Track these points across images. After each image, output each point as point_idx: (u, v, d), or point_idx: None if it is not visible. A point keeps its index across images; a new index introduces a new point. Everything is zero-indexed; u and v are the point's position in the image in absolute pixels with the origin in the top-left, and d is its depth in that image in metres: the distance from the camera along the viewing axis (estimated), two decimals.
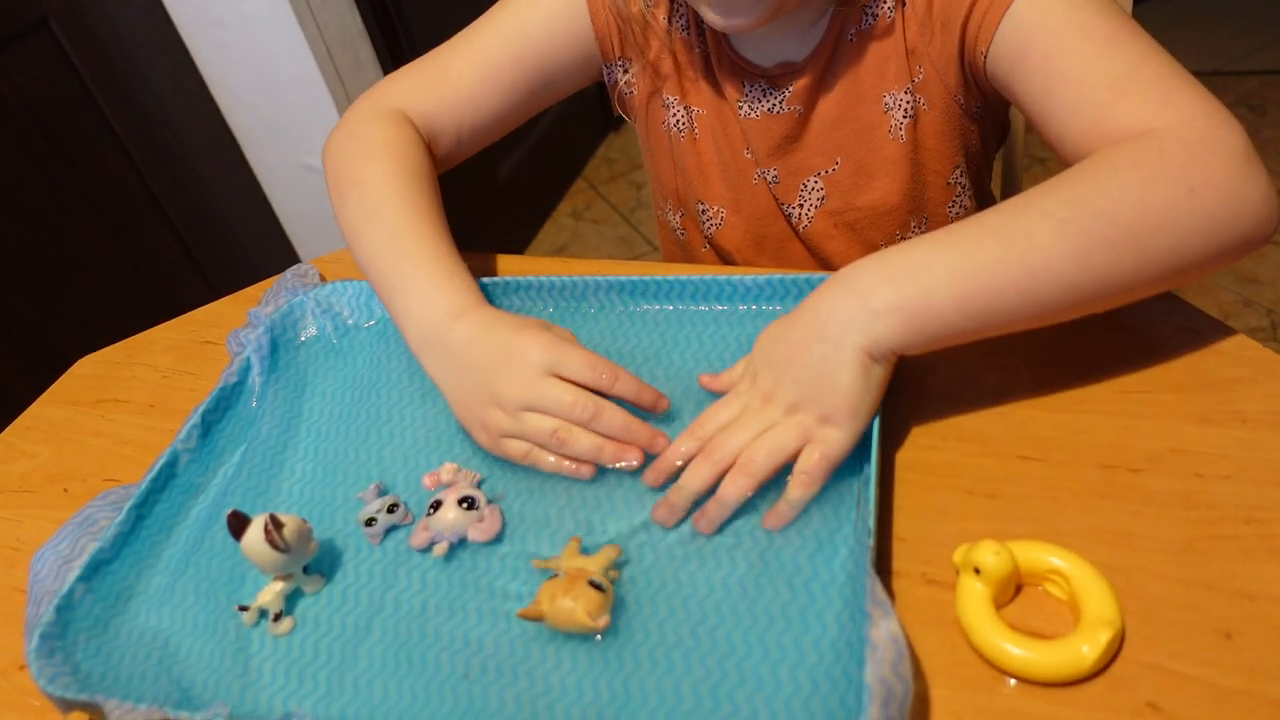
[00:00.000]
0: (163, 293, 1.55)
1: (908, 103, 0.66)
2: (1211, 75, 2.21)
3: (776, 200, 0.74)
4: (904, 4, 0.63)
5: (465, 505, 0.51)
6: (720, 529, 0.49)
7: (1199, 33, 2.39)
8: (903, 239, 0.73)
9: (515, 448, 0.53)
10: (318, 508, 0.55)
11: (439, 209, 0.65)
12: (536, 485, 0.53)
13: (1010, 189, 0.92)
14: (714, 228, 0.77)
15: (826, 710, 0.40)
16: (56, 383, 0.72)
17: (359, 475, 0.56)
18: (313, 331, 0.68)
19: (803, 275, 0.59)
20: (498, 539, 0.51)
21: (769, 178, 0.72)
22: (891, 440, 0.51)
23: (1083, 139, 0.53)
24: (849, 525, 0.47)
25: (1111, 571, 0.42)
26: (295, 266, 0.72)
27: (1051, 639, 0.40)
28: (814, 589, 0.45)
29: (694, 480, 0.49)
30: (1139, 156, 0.48)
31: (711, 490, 0.49)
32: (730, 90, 0.70)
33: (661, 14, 0.70)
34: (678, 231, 0.82)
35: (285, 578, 0.49)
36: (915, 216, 0.72)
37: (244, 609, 0.49)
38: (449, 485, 0.53)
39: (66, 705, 0.45)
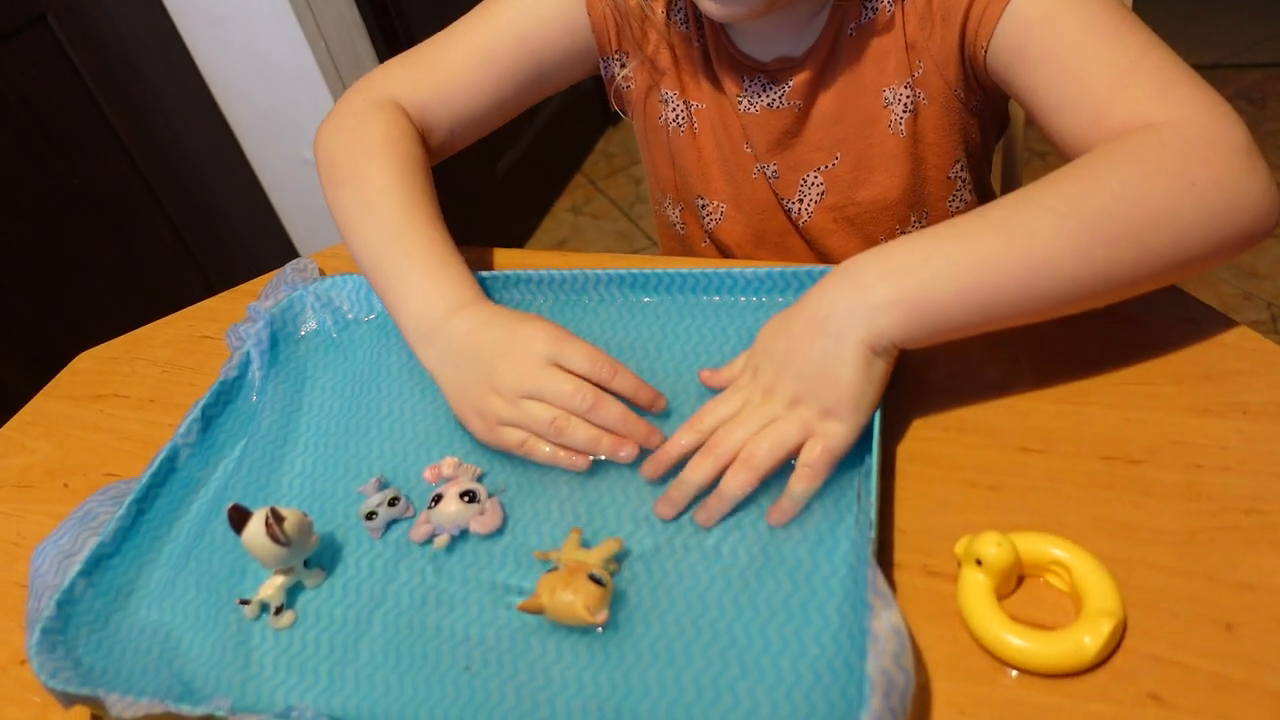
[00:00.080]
0: (161, 288, 1.55)
1: (907, 97, 0.66)
2: (1212, 68, 2.21)
3: (776, 195, 0.74)
4: None
5: (466, 498, 0.51)
6: (721, 522, 0.49)
7: (1199, 26, 2.39)
8: (903, 234, 0.73)
9: (511, 436, 0.53)
10: (318, 501, 0.55)
11: (435, 202, 0.65)
12: (537, 479, 0.53)
13: (1010, 183, 0.91)
14: (714, 223, 0.77)
15: (828, 702, 0.40)
16: (56, 378, 0.72)
17: (360, 469, 0.56)
18: (312, 326, 0.68)
19: (803, 268, 0.59)
20: (499, 532, 0.51)
21: (769, 173, 0.72)
22: (893, 433, 0.51)
23: (1083, 133, 0.53)
24: (850, 518, 0.47)
25: (1113, 563, 0.42)
26: (294, 261, 0.72)
27: (1053, 630, 0.40)
28: (815, 581, 0.45)
29: (696, 475, 0.49)
30: (1140, 151, 0.48)
31: (713, 485, 0.49)
32: (729, 85, 0.70)
33: (659, 7, 0.70)
34: (677, 226, 0.82)
35: (286, 571, 0.49)
36: (915, 211, 0.72)
37: (245, 602, 0.49)
38: (450, 479, 0.53)
39: (68, 700, 0.45)
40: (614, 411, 0.52)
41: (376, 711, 0.44)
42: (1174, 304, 0.55)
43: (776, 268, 0.59)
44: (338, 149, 0.67)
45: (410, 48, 0.73)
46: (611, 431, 0.52)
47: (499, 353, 0.54)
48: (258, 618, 0.49)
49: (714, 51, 0.69)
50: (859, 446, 0.49)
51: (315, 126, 0.70)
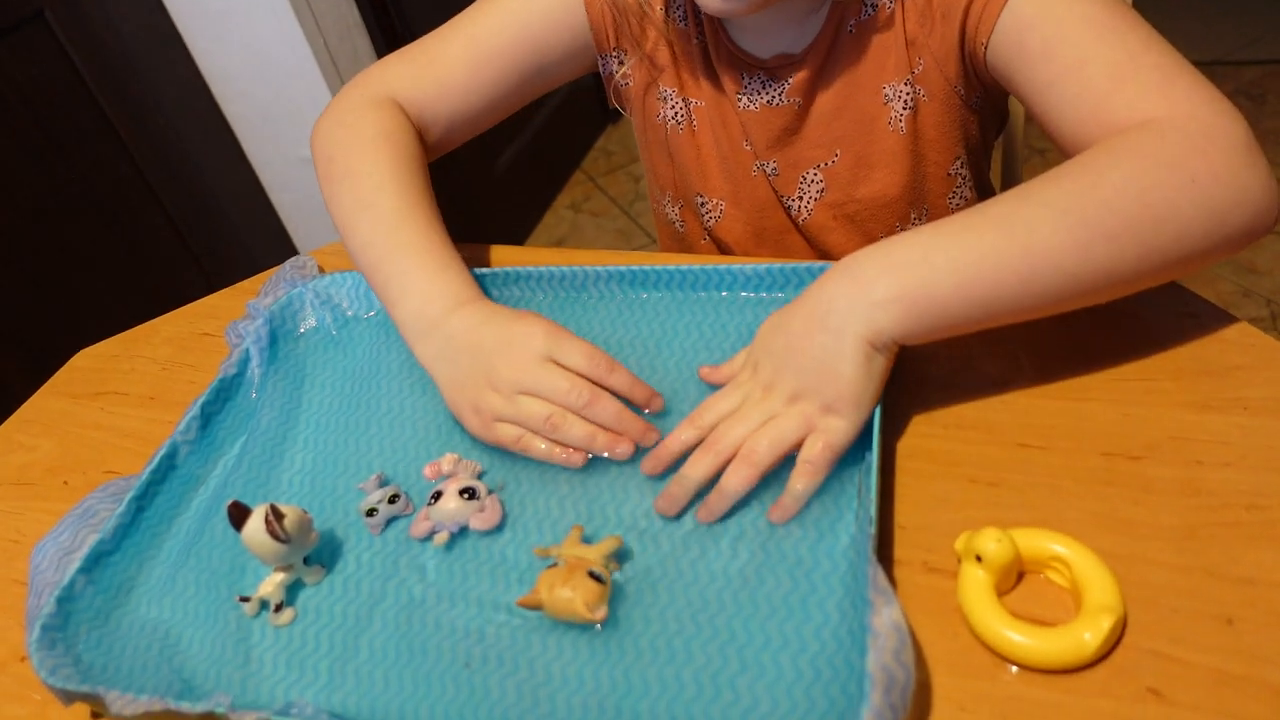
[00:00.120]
0: (160, 285, 1.55)
1: (907, 94, 0.66)
2: (1211, 65, 2.20)
3: (776, 192, 0.74)
4: None
5: (466, 495, 0.51)
6: (721, 519, 0.48)
7: (1198, 22, 2.39)
8: (903, 231, 0.73)
9: (507, 432, 0.53)
10: (318, 498, 0.55)
11: (432, 199, 0.64)
12: (537, 476, 0.53)
13: (1010, 180, 0.91)
14: (713, 220, 0.77)
15: (829, 698, 0.40)
16: (55, 375, 0.72)
17: (359, 466, 0.56)
18: (312, 323, 0.68)
19: (802, 264, 0.59)
20: (498, 529, 0.51)
21: (768, 170, 0.72)
22: (893, 429, 0.51)
23: (1083, 129, 0.53)
24: (850, 514, 0.47)
25: (1113, 558, 0.42)
26: (294, 258, 0.72)
27: (1053, 626, 0.40)
28: (815, 578, 0.45)
29: (696, 471, 0.49)
30: (1140, 147, 0.48)
31: (713, 481, 0.49)
32: (729, 82, 0.70)
33: (658, 4, 0.70)
34: (676, 224, 0.81)
35: (286, 568, 0.49)
36: (915, 208, 0.72)
37: (245, 600, 0.49)
38: (450, 475, 0.53)
39: (68, 697, 0.45)
40: (610, 408, 0.52)
41: (376, 708, 0.44)
42: (1174, 300, 0.55)
43: (776, 264, 0.59)
44: (335, 145, 0.67)
45: (409, 42, 0.73)
46: (607, 429, 0.52)
47: (496, 349, 0.54)
48: (257, 615, 0.49)
49: (713, 48, 0.69)
50: (859, 443, 0.49)
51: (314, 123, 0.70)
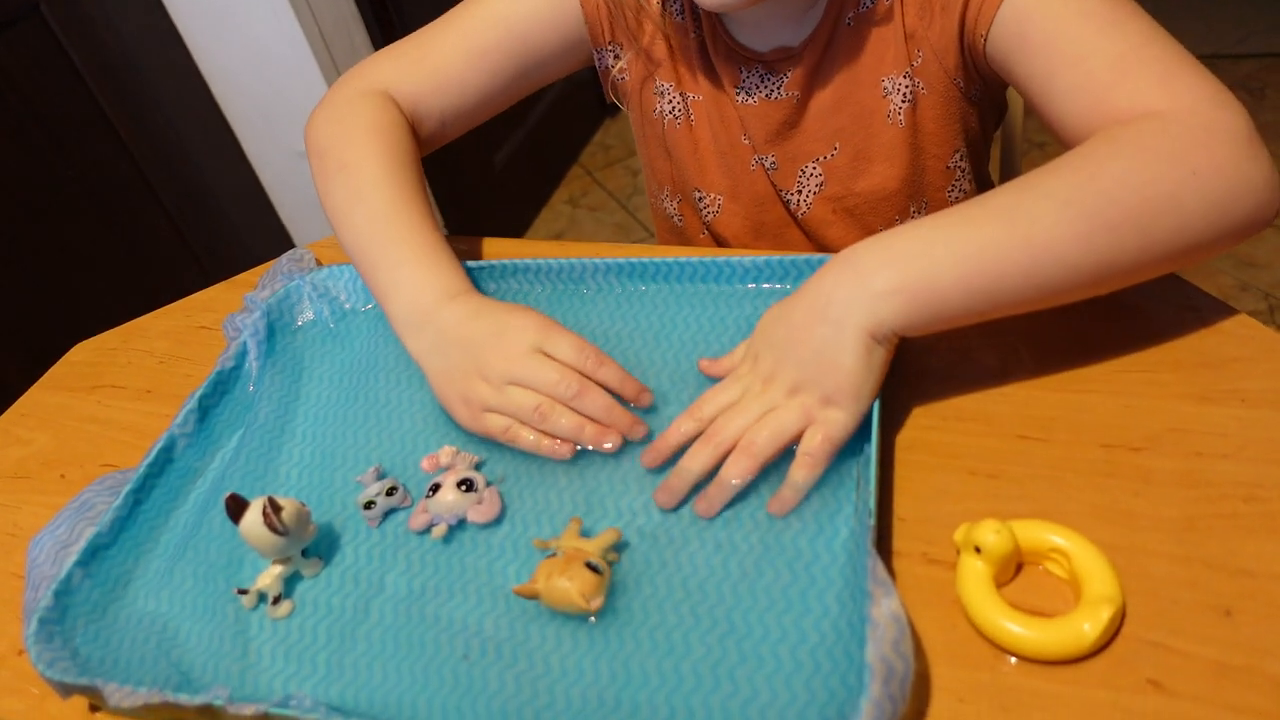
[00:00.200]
0: (158, 279, 1.54)
1: (906, 87, 0.66)
2: (1210, 58, 2.19)
3: (775, 187, 0.73)
4: None
5: (464, 487, 0.50)
6: (720, 511, 0.48)
7: (1197, 16, 2.39)
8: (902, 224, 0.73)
9: (495, 423, 0.53)
10: (316, 491, 0.55)
11: (424, 193, 0.65)
12: (536, 468, 0.53)
13: (1009, 174, 0.91)
14: (712, 215, 0.77)
15: (828, 689, 0.40)
16: (52, 369, 0.71)
17: (357, 458, 0.56)
18: (309, 316, 0.67)
19: (802, 256, 0.59)
20: (497, 521, 0.51)
21: (767, 164, 0.72)
22: (892, 421, 0.51)
23: (1084, 121, 0.53)
24: (850, 506, 0.47)
25: (1112, 550, 0.42)
26: (291, 251, 0.72)
27: (1052, 617, 0.40)
28: (815, 569, 0.45)
29: (695, 463, 0.49)
30: (1142, 139, 0.48)
31: (712, 473, 0.49)
32: (727, 76, 0.69)
33: None
34: (675, 218, 0.81)
35: (284, 561, 0.49)
36: (915, 201, 0.72)
37: (243, 592, 0.49)
38: (448, 468, 0.53)
39: (65, 690, 0.45)
40: (599, 400, 0.53)
41: (375, 700, 0.44)
42: (1173, 292, 0.55)
43: (775, 256, 0.59)
44: (328, 139, 0.67)
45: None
46: (596, 421, 0.52)
47: (487, 341, 0.54)
48: (255, 607, 0.49)
49: (711, 42, 0.69)
50: (858, 435, 0.48)
51: None
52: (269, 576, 0.49)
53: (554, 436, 0.53)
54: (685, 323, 0.60)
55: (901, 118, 0.67)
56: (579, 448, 0.53)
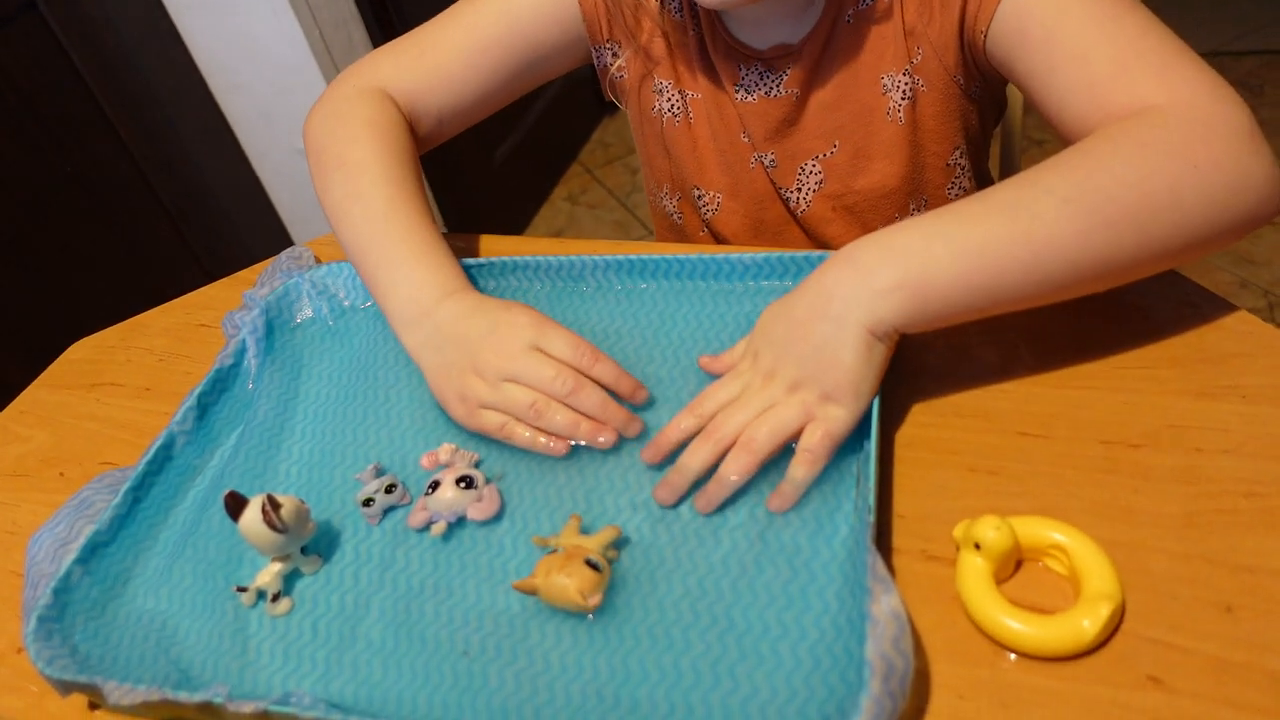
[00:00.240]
0: (156, 277, 1.54)
1: (906, 84, 0.66)
2: (1209, 55, 2.19)
3: (774, 184, 0.73)
4: None
5: (463, 485, 0.50)
6: (720, 508, 0.48)
7: (1197, 13, 2.39)
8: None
9: (491, 419, 0.53)
10: (315, 488, 0.55)
11: (422, 191, 0.65)
12: (535, 465, 0.53)
13: (1008, 170, 0.91)
14: (711, 213, 0.77)
15: (828, 686, 0.40)
16: (51, 367, 0.71)
17: (356, 456, 0.56)
18: (308, 313, 0.67)
19: (801, 253, 0.59)
20: (496, 519, 0.50)
21: (766, 162, 0.72)
22: (891, 418, 0.51)
23: (1084, 116, 0.52)
24: (849, 503, 0.47)
25: (1112, 546, 0.42)
26: (290, 248, 0.72)
27: (1052, 614, 0.40)
28: (814, 566, 0.45)
29: (694, 460, 0.49)
30: (1142, 134, 0.48)
31: (712, 470, 0.49)
32: (726, 74, 0.69)
33: None
34: (674, 216, 0.81)
35: (283, 558, 0.49)
36: (914, 199, 0.72)
37: (242, 590, 0.49)
38: (447, 465, 0.53)
39: (65, 687, 0.45)
40: (594, 397, 0.53)
41: (374, 698, 0.44)
42: (1172, 288, 0.55)
43: (774, 253, 0.59)
44: (326, 136, 0.67)
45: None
46: (591, 418, 0.52)
47: (483, 338, 0.54)
48: (255, 605, 0.49)
49: (710, 40, 0.69)
50: (857, 432, 0.48)
51: None
52: (268, 574, 0.49)
53: (549, 433, 0.53)
54: (685, 320, 0.60)
55: (901, 115, 0.67)
56: (575, 444, 0.53)
